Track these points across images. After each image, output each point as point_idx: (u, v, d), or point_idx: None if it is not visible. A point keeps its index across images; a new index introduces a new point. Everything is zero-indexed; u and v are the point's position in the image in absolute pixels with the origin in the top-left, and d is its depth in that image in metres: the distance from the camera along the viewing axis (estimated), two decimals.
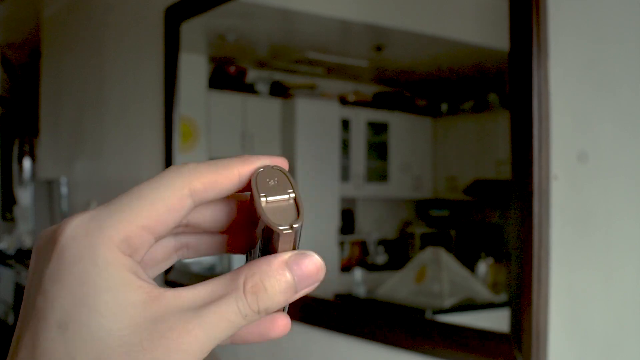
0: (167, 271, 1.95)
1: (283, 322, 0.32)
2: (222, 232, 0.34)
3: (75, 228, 0.28)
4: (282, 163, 0.31)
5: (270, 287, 0.28)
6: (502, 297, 1.86)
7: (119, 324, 0.26)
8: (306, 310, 1.60)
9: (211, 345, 0.27)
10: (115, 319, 0.26)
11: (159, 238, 0.29)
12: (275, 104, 3.19)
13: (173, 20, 2.14)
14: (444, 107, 3.36)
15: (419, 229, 3.32)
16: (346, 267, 3.05)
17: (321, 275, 0.29)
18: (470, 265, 2.17)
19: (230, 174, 0.30)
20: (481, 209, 3.07)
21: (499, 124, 2.58)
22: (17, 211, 4.19)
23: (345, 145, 3.41)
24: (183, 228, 0.33)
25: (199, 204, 0.30)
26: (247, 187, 0.31)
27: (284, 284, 0.28)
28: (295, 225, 0.29)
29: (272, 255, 0.29)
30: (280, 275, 0.28)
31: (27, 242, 3.64)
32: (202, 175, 0.29)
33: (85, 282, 0.27)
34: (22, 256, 3.38)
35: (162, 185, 0.29)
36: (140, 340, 0.26)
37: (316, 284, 0.29)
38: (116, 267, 0.27)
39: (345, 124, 3.44)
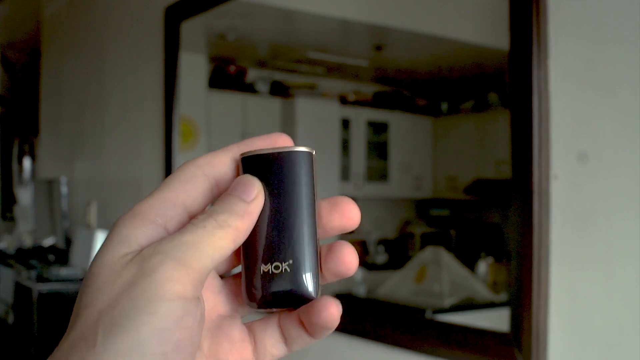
0: None
1: (349, 253, 0.34)
2: None
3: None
4: (282, 140, 0.35)
5: (220, 212, 0.32)
6: (502, 296, 1.86)
7: (104, 267, 0.31)
8: None
9: (190, 267, 0.30)
10: (102, 263, 0.31)
11: (183, 204, 0.33)
12: (275, 103, 3.19)
13: (173, 20, 2.14)
14: (444, 106, 3.36)
15: (419, 229, 3.32)
16: None
17: (251, 180, 0.33)
18: (470, 265, 2.17)
19: (229, 149, 0.35)
20: (481, 208, 3.07)
21: (499, 123, 2.58)
22: (17, 211, 4.19)
23: (345, 145, 3.41)
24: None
25: (211, 177, 0.34)
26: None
27: (227, 204, 0.32)
28: (248, 154, 0.33)
29: None
30: (222, 202, 0.33)
31: (27, 241, 3.64)
32: (204, 155, 0.34)
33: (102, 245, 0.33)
34: (22, 256, 3.38)
35: (175, 172, 0.34)
36: (120, 274, 0.30)
37: (253, 188, 0.33)
38: (122, 227, 0.32)
39: (346, 124, 3.44)
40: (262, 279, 0.33)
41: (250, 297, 0.34)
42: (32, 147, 4.91)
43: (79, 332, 0.29)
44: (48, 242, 3.31)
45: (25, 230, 3.77)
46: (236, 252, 0.35)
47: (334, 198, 0.35)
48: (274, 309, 0.34)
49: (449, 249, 2.86)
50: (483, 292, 2.01)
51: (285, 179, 0.33)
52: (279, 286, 0.33)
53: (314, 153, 0.34)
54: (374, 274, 2.82)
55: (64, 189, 3.13)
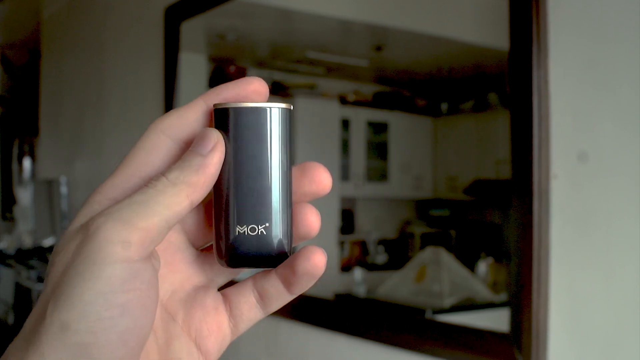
0: None
1: (311, 214, 0.34)
2: None
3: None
4: (253, 87, 0.33)
5: (173, 169, 0.31)
6: (502, 296, 1.86)
7: (59, 243, 0.31)
8: (306, 310, 1.60)
9: (135, 226, 0.29)
10: (60, 241, 0.31)
11: (147, 177, 0.32)
12: None
13: (173, 20, 2.14)
14: (444, 106, 3.36)
15: (419, 229, 3.32)
16: (346, 267, 3.05)
17: (208, 132, 0.31)
18: (470, 265, 2.17)
19: (195, 104, 0.33)
20: (481, 208, 3.06)
21: (499, 123, 2.57)
22: (17, 211, 4.19)
23: (345, 145, 3.41)
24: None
25: (177, 139, 0.32)
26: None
27: (182, 161, 0.31)
28: (220, 107, 0.32)
29: None
30: (179, 160, 0.31)
31: (27, 241, 3.63)
32: (169, 114, 0.33)
33: None
34: (22, 256, 3.37)
35: (140, 139, 0.33)
36: (70, 243, 0.30)
37: (209, 140, 0.31)
38: (82, 208, 0.31)
39: (345, 124, 3.44)
40: (236, 239, 0.32)
41: (223, 255, 0.33)
42: (32, 148, 4.91)
43: (37, 310, 0.29)
44: (48, 242, 3.31)
45: (25, 231, 3.77)
46: (208, 217, 0.35)
47: (304, 163, 0.34)
48: (246, 268, 0.33)
49: (449, 249, 2.86)
50: (483, 292, 2.01)
51: (261, 136, 0.32)
52: (254, 246, 0.32)
53: (291, 108, 0.33)
54: (373, 274, 2.82)
55: (63, 189, 3.13)
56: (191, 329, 0.34)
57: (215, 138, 0.31)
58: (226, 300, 0.35)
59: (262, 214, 0.32)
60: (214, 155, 0.31)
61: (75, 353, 0.27)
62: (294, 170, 0.34)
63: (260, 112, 0.32)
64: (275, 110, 0.32)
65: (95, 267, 0.28)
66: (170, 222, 0.30)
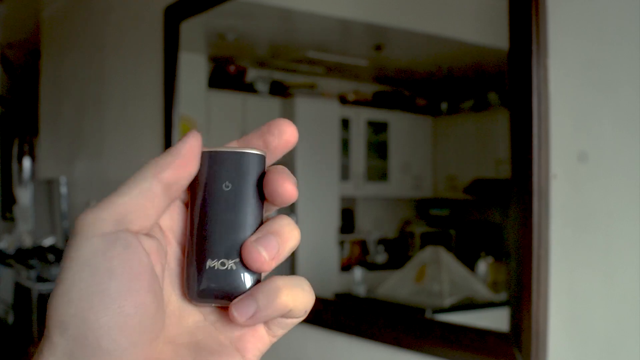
0: None
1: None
2: None
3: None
4: (192, 142, 0.35)
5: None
6: (502, 296, 1.86)
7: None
8: None
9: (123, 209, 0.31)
10: None
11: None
12: (275, 103, 3.18)
13: (173, 20, 2.14)
14: (444, 106, 3.36)
15: (419, 228, 3.32)
16: (346, 267, 3.05)
17: (187, 134, 0.35)
18: (470, 265, 2.17)
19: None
20: (481, 208, 3.07)
21: (499, 123, 2.58)
22: (17, 211, 4.19)
23: (345, 145, 3.41)
24: None
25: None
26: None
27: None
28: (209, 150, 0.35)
29: None
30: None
31: (27, 241, 3.63)
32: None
33: None
34: (22, 256, 3.38)
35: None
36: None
37: (186, 138, 0.35)
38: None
39: (345, 123, 3.44)
40: (206, 274, 0.33)
41: (191, 291, 0.34)
42: (31, 147, 4.91)
43: None
44: (48, 242, 3.31)
45: (25, 231, 3.77)
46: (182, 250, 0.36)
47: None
48: (212, 304, 0.34)
49: (449, 248, 2.86)
50: (483, 292, 2.01)
51: (234, 178, 0.34)
52: (222, 282, 0.33)
53: (264, 154, 0.35)
54: (373, 274, 2.83)
55: (63, 189, 3.13)
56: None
57: (190, 135, 0.34)
58: None
59: (232, 250, 0.33)
60: (185, 142, 0.34)
61: (73, 323, 0.29)
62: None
63: (236, 156, 0.35)
64: (248, 156, 0.34)
65: (76, 244, 0.31)
66: (140, 196, 0.32)
